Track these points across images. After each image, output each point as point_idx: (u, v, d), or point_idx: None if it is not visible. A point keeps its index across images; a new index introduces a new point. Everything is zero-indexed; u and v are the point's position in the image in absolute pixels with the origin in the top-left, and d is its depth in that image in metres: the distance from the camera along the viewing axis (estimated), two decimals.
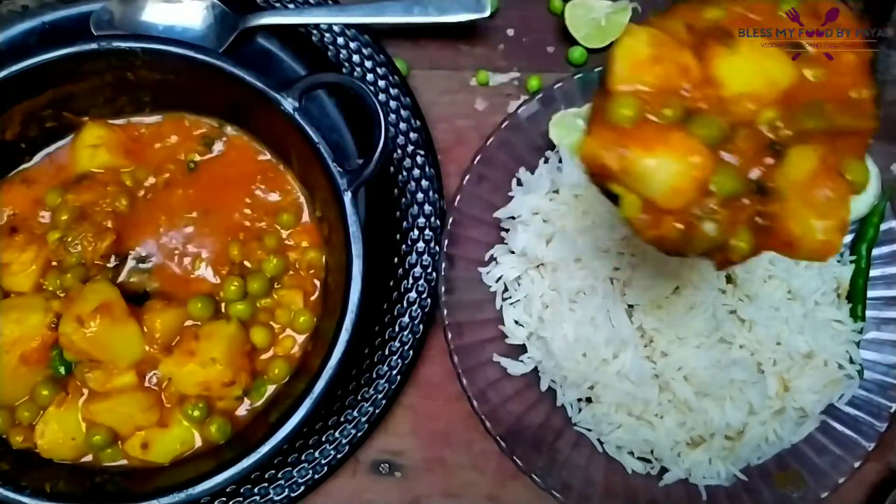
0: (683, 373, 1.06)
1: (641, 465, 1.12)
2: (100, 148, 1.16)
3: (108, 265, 1.13)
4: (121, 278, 1.13)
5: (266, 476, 1.15)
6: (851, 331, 1.13)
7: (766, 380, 1.07)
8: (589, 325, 1.08)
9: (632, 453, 1.13)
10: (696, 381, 1.05)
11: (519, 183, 1.19)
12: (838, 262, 1.16)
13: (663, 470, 1.12)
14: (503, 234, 1.19)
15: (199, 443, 1.10)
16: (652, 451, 1.11)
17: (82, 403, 1.07)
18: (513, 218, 1.17)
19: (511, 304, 1.16)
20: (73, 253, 1.11)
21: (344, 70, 1.23)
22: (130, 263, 1.14)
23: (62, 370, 1.08)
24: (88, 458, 1.09)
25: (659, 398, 1.07)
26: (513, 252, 1.16)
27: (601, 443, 1.14)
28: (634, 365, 1.07)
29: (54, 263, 1.12)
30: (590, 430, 1.14)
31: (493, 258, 1.18)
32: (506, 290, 1.17)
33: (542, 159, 1.20)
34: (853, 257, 1.17)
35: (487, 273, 1.17)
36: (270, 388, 1.13)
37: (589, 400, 1.14)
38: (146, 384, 1.09)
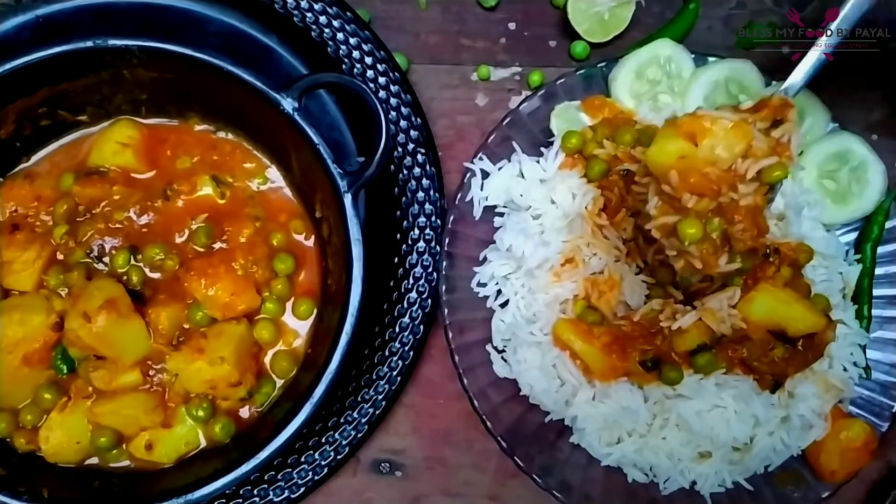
0: (679, 391, 1.06)
1: (642, 475, 1.12)
2: (128, 148, 1.16)
3: (114, 262, 1.12)
4: (125, 276, 1.12)
5: (266, 477, 1.15)
6: (856, 333, 1.12)
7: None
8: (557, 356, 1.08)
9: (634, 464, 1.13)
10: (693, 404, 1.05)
11: (521, 175, 1.17)
12: (844, 261, 1.15)
13: None
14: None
15: (203, 443, 1.10)
16: (651, 468, 1.11)
17: (87, 406, 1.07)
18: (502, 215, 1.16)
19: (500, 304, 1.16)
20: (81, 249, 1.11)
21: (344, 66, 1.21)
22: (134, 261, 1.13)
23: (64, 368, 1.08)
24: (93, 460, 1.09)
25: (654, 412, 1.07)
26: (508, 250, 1.15)
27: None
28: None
29: (60, 256, 1.12)
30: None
31: (486, 257, 1.17)
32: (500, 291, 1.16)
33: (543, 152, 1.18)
34: (858, 256, 1.16)
35: (480, 272, 1.16)
36: (273, 391, 1.13)
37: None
38: (151, 384, 1.09)
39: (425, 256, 1.19)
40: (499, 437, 1.11)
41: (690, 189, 0.85)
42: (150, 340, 1.08)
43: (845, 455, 1.09)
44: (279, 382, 1.13)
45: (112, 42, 1.05)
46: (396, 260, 1.19)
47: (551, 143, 1.16)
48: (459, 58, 1.30)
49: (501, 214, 1.17)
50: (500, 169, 1.16)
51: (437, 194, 1.21)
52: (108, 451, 1.08)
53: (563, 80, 1.18)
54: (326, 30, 1.22)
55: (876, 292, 1.16)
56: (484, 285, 1.16)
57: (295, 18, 1.22)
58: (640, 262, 1.09)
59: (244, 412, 1.12)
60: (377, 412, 1.16)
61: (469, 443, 1.22)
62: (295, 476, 1.15)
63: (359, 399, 1.17)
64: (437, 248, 1.19)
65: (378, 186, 1.20)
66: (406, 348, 1.18)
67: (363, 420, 1.16)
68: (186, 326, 1.10)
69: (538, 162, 1.15)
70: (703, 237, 0.86)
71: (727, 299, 1.00)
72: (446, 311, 1.13)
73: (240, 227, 1.15)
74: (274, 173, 1.19)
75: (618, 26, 1.27)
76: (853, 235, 1.18)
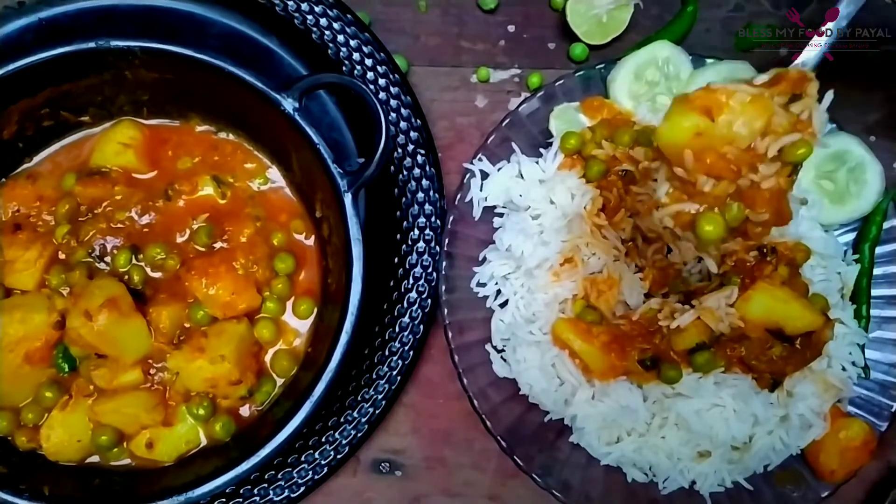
0: (678, 390, 1.06)
1: (642, 475, 1.12)
2: (129, 149, 1.16)
3: (115, 262, 1.13)
4: (126, 275, 1.13)
5: (266, 477, 1.15)
6: (855, 333, 1.12)
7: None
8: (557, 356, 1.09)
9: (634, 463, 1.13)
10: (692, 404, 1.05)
11: (521, 176, 1.18)
12: (842, 261, 1.15)
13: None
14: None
15: (203, 441, 1.11)
16: (650, 468, 1.11)
17: (88, 405, 1.07)
18: (501, 215, 1.17)
19: (499, 304, 1.16)
20: (83, 248, 1.12)
21: (344, 68, 1.22)
22: (136, 261, 1.14)
23: (66, 367, 1.09)
24: (94, 458, 1.10)
25: (653, 411, 1.07)
26: (507, 250, 1.15)
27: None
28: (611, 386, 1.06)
29: (62, 256, 1.13)
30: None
31: (485, 257, 1.17)
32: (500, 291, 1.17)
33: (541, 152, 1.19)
34: (856, 256, 1.16)
35: (479, 272, 1.16)
36: (274, 390, 1.13)
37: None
38: (151, 383, 1.10)
39: (425, 256, 1.20)
40: (499, 437, 1.11)
41: (707, 171, 0.76)
42: (150, 339, 1.09)
43: (844, 455, 1.09)
44: (279, 381, 1.14)
45: (114, 43, 1.06)
46: (396, 260, 1.20)
47: (550, 144, 1.17)
48: (459, 60, 1.31)
49: (501, 215, 1.18)
50: (499, 170, 1.17)
51: (436, 195, 1.21)
52: (109, 450, 1.08)
53: (561, 81, 1.18)
54: (327, 32, 1.23)
55: (874, 292, 1.16)
56: (483, 285, 1.16)
57: (295, 21, 1.23)
58: (638, 262, 1.10)
59: (244, 411, 1.13)
60: (377, 412, 1.17)
61: (469, 443, 1.22)
62: (295, 475, 1.15)
63: (359, 398, 1.17)
64: (437, 248, 1.20)
65: (378, 187, 1.20)
66: (406, 348, 1.18)
67: (363, 420, 1.16)
68: (187, 325, 1.11)
69: (537, 162, 1.16)
70: (723, 235, 0.79)
71: (725, 298, 1.00)
72: (446, 311, 1.13)
73: (240, 227, 1.15)
74: (274, 173, 1.20)
75: (616, 28, 1.28)
76: (851, 236, 1.18)
